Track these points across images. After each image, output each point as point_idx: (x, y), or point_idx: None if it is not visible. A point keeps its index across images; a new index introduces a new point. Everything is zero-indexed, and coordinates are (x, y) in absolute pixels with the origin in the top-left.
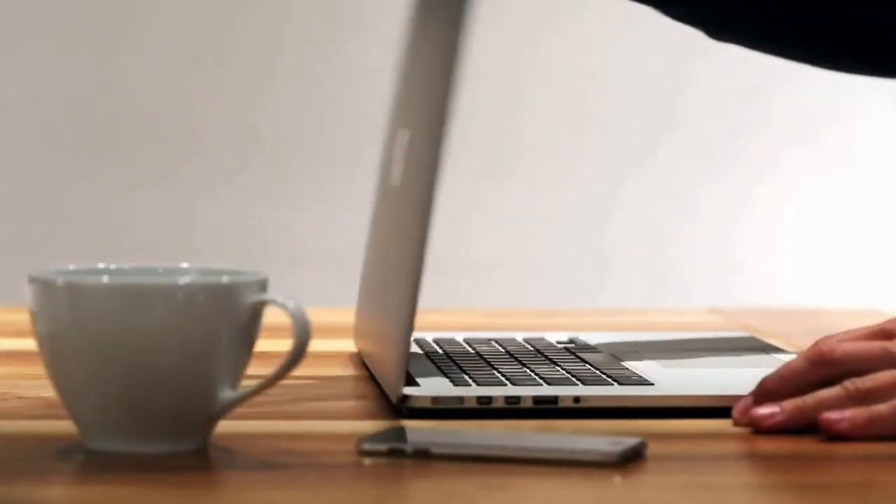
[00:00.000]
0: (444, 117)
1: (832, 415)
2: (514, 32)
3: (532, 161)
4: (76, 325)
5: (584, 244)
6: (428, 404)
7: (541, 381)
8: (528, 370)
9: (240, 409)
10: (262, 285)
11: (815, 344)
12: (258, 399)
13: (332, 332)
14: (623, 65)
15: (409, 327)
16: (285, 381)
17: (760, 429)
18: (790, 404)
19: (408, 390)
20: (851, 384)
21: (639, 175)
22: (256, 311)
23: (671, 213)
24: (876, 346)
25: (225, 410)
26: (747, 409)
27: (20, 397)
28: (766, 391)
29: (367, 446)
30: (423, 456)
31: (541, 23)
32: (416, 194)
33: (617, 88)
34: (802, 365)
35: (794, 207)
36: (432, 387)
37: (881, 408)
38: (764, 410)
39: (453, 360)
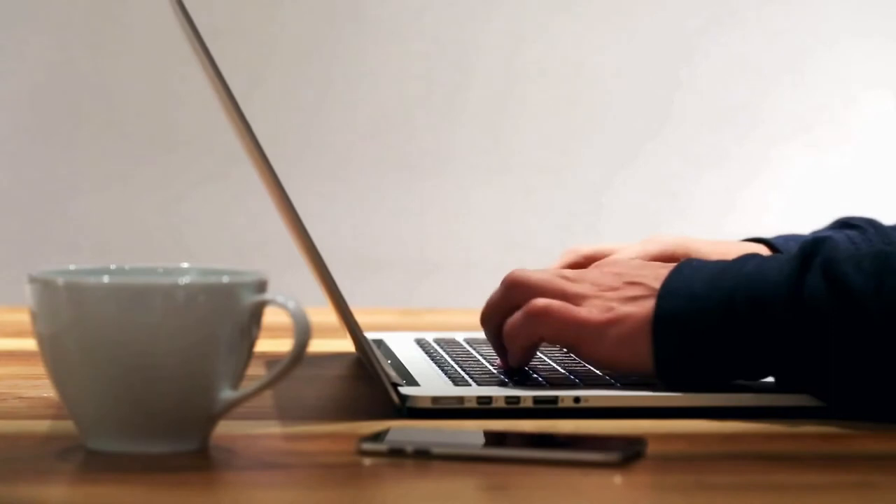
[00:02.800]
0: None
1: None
2: (509, 32)
3: (529, 161)
4: (76, 325)
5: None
6: (428, 404)
7: (541, 381)
8: (528, 370)
9: (240, 409)
10: (262, 285)
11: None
12: (258, 399)
13: (332, 332)
14: (617, 64)
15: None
16: (285, 381)
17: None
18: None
19: (408, 390)
20: (531, 305)
21: (633, 174)
22: (256, 311)
23: (667, 212)
24: (554, 270)
25: (225, 410)
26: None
27: (20, 397)
28: (482, 320)
29: (367, 446)
30: (423, 456)
31: (532, 22)
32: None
33: (612, 87)
34: (497, 293)
35: (787, 205)
36: (432, 387)
37: (516, 315)
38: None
39: (453, 360)
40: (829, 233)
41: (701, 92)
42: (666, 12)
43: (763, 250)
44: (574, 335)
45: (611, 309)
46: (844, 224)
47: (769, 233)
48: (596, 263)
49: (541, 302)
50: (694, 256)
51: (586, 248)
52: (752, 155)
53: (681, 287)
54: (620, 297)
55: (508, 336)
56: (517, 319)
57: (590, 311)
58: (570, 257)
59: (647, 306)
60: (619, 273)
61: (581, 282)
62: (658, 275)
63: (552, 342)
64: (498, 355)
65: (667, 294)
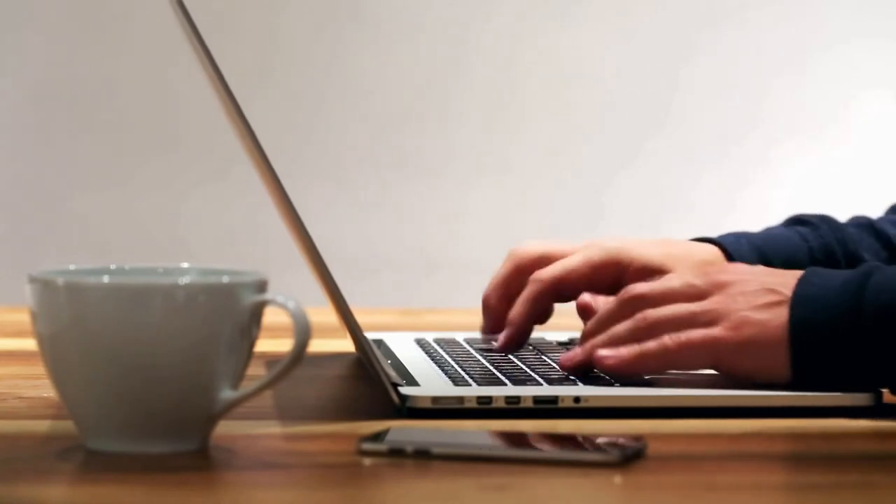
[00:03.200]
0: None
1: (603, 352)
2: (509, 32)
3: (529, 161)
4: (76, 325)
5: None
6: (428, 404)
7: (541, 381)
8: (528, 370)
9: (240, 409)
10: (262, 285)
11: (626, 288)
12: (258, 399)
13: (332, 332)
14: (617, 63)
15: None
16: (285, 381)
17: (602, 367)
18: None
19: (408, 390)
20: (642, 315)
21: (632, 174)
22: (256, 311)
23: (665, 211)
24: (677, 281)
25: (225, 410)
26: (574, 356)
27: (20, 397)
28: (587, 334)
29: (367, 446)
30: (423, 456)
31: (532, 22)
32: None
33: (612, 87)
34: (612, 307)
35: (787, 205)
36: (432, 387)
37: (650, 344)
38: (604, 352)
39: (453, 360)
40: (782, 230)
41: (701, 92)
42: (666, 12)
43: (713, 250)
44: (714, 358)
45: (745, 321)
46: (797, 221)
47: None
48: (705, 271)
49: (682, 337)
50: (636, 259)
51: (534, 249)
52: (753, 155)
53: (812, 295)
54: (752, 305)
55: (665, 364)
56: (662, 356)
57: (726, 331)
58: (519, 261)
59: (780, 314)
60: (742, 280)
61: (705, 296)
62: (786, 282)
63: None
64: (572, 357)
65: (800, 302)
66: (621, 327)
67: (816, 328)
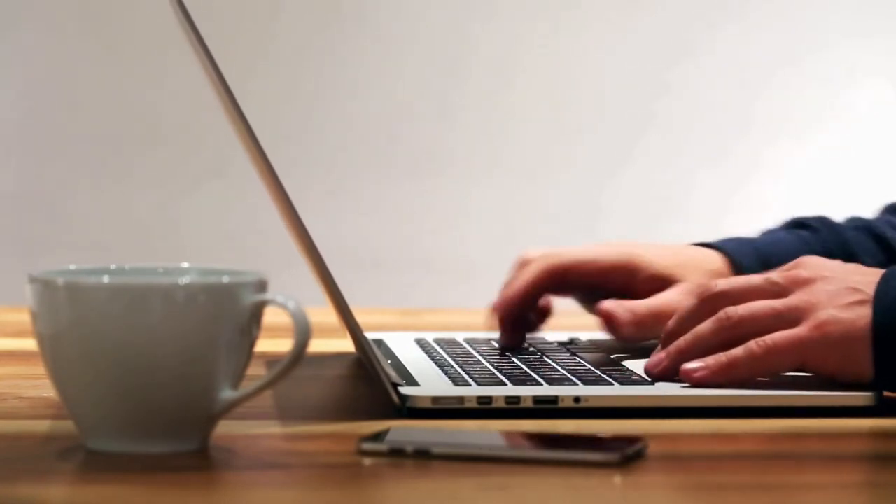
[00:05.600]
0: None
1: (690, 365)
2: (508, 32)
3: (529, 161)
4: (76, 325)
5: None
6: (428, 404)
7: (541, 381)
8: (528, 370)
9: (240, 409)
10: (262, 285)
11: (705, 285)
12: (258, 399)
13: (332, 332)
14: (614, 63)
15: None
16: (285, 381)
17: (690, 381)
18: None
19: (408, 390)
20: (724, 313)
21: (630, 173)
22: (256, 311)
23: (663, 210)
24: (758, 278)
25: (225, 410)
26: (659, 363)
27: (20, 397)
28: (670, 334)
29: (367, 446)
30: (423, 456)
31: (530, 22)
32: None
33: (610, 87)
34: (693, 305)
35: (786, 204)
36: (432, 387)
37: (737, 352)
38: (691, 365)
39: (453, 360)
40: (783, 234)
41: (697, 91)
42: (663, 11)
43: (714, 255)
44: (801, 358)
45: (829, 319)
46: (798, 224)
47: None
48: (782, 268)
49: (769, 342)
50: (649, 267)
51: (563, 257)
52: (750, 154)
53: (894, 294)
54: (835, 304)
55: (754, 372)
56: (751, 363)
57: (811, 330)
58: (546, 264)
59: (863, 313)
60: (824, 278)
61: (786, 293)
62: (867, 281)
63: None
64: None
65: (883, 302)
66: (704, 327)
67: None
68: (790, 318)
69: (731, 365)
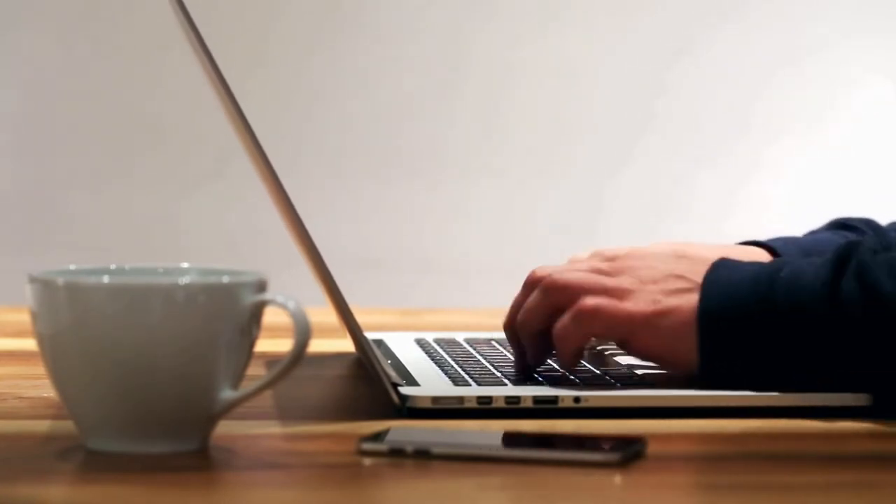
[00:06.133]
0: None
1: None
2: (507, 32)
3: (528, 161)
4: (76, 325)
5: (582, 244)
6: (428, 404)
7: (541, 381)
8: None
9: (240, 409)
10: (262, 285)
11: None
12: (258, 399)
13: (332, 332)
14: (614, 63)
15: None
16: (285, 381)
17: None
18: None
19: (408, 390)
20: (550, 278)
21: (630, 174)
22: (256, 311)
23: (666, 211)
24: (582, 263)
25: (225, 410)
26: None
27: (20, 397)
28: (506, 328)
29: (367, 446)
30: (423, 456)
31: (529, 23)
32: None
33: (610, 87)
34: (518, 294)
35: (787, 204)
36: (432, 387)
37: (564, 318)
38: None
39: (453, 360)
40: (829, 235)
41: (697, 90)
42: (663, 11)
43: (763, 254)
44: (627, 330)
45: (657, 301)
46: (841, 225)
47: (769, 233)
48: (621, 256)
49: (590, 301)
50: None
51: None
52: (750, 154)
53: (722, 284)
54: (663, 289)
55: (560, 339)
56: (567, 322)
57: (636, 304)
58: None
59: (691, 300)
60: (654, 266)
61: (619, 275)
62: (696, 270)
63: (604, 339)
64: (521, 358)
65: (709, 290)
66: (533, 297)
67: (726, 315)
68: (617, 295)
69: (562, 333)
